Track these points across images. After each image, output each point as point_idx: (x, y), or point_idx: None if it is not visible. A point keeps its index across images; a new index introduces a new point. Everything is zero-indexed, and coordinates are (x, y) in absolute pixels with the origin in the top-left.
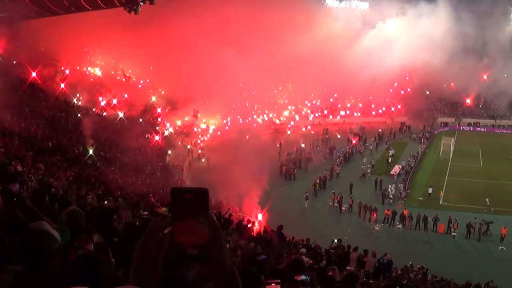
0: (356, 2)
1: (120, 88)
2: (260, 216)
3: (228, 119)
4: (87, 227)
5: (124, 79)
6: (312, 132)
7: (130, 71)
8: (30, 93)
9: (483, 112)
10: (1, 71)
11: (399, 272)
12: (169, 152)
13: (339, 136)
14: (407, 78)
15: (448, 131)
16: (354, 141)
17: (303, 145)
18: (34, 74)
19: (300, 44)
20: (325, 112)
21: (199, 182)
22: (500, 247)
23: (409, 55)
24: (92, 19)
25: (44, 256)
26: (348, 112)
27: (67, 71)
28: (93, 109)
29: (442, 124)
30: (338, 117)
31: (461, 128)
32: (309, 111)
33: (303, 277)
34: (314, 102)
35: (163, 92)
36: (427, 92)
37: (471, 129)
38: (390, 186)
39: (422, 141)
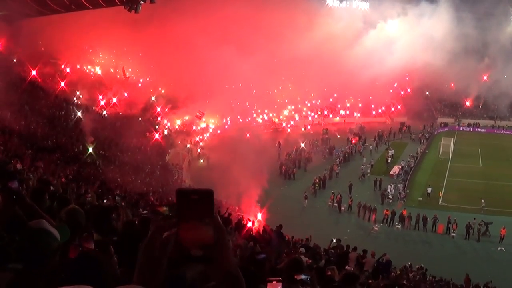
0: (357, 2)
1: (120, 87)
2: (259, 216)
3: (228, 119)
4: (86, 225)
5: (124, 78)
6: (312, 132)
7: (130, 70)
8: (30, 91)
9: (483, 112)
10: (1, 69)
11: (398, 272)
12: (169, 151)
13: (338, 136)
14: (407, 78)
15: (448, 132)
16: (353, 141)
17: (302, 145)
18: (34, 72)
19: (301, 43)
20: (325, 112)
21: (198, 181)
22: (499, 248)
23: (409, 55)
24: (93, 18)
25: (44, 254)
26: (348, 112)
27: (67, 70)
28: (93, 108)
29: (442, 125)
30: (338, 118)
31: (461, 129)
32: (309, 111)
33: (303, 276)
34: (314, 102)
35: (163, 91)
36: (427, 93)
37: (471, 130)
38: (389, 186)
39: (422, 141)
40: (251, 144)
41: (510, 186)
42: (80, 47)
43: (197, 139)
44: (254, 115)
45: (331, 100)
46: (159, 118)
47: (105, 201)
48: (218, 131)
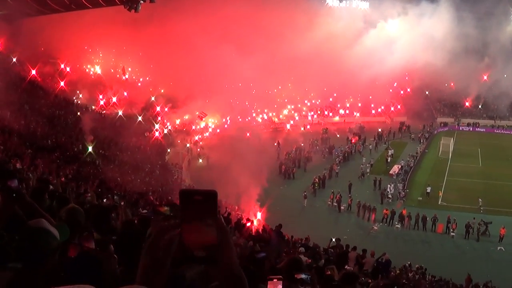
0: (357, 1)
1: (119, 86)
2: (259, 215)
3: (228, 118)
4: (85, 224)
5: (124, 77)
6: (311, 131)
7: (129, 69)
8: (30, 90)
9: (483, 112)
10: (1, 69)
11: (398, 271)
12: (168, 150)
13: (338, 136)
14: (407, 78)
15: (448, 131)
16: (353, 141)
17: (302, 144)
18: (34, 71)
19: (300, 43)
20: (326, 112)
21: (198, 180)
22: (498, 248)
23: (409, 55)
24: (93, 17)
25: (43, 253)
26: (347, 111)
27: (67, 69)
28: (93, 107)
29: (442, 124)
30: (337, 117)
31: (461, 128)
32: (308, 111)
33: (303, 276)
34: (313, 101)
35: (162, 91)
36: (427, 92)
37: (471, 130)
38: (389, 185)
39: (422, 141)
40: (251, 144)
41: (510, 186)
42: (80, 47)
43: (196, 138)
44: (254, 115)
45: (330, 99)
46: (159, 118)
47: (104, 200)
48: (218, 130)
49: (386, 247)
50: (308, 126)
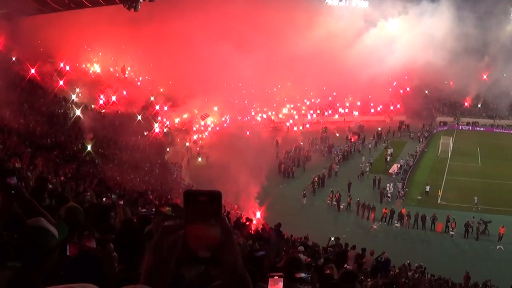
0: (356, 0)
1: (119, 85)
2: (258, 214)
3: (227, 117)
4: (85, 223)
5: (124, 76)
6: (310, 130)
7: (129, 68)
8: (29, 89)
9: (482, 111)
10: (0, 68)
11: (397, 270)
12: (168, 149)
13: (337, 135)
14: (406, 77)
15: (447, 131)
16: (352, 140)
17: (301, 144)
18: (33, 70)
19: (300, 42)
20: (326, 113)
21: (197, 179)
22: (498, 247)
23: (409, 54)
24: (92, 16)
25: (42, 252)
26: (346, 110)
27: (67, 68)
28: (92, 106)
29: (441, 123)
30: (337, 116)
31: (460, 128)
32: (308, 110)
33: (303, 275)
34: (313, 100)
35: (161, 90)
36: (426, 92)
37: (470, 129)
38: (388, 184)
39: (421, 140)
40: (250, 143)
41: (509, 185)
42: (79, 46)
43: (195, 138)
44: (253, 113)
45: (330, 98)
46: (159, 118)
47: (104, 199)
48: (217, 128)
49: (385, 246)
50: (308, 125)
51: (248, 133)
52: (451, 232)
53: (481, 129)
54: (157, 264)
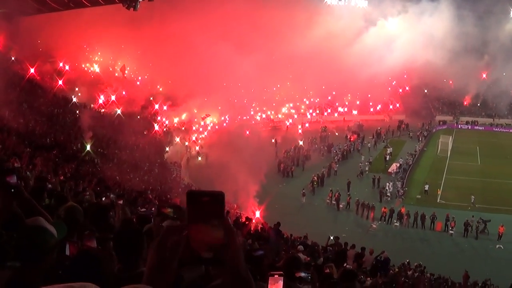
0: (355, 0)
1: (118, 85)
2: (257, 213)
3: (226, 116)
4: (84, 222)
5: (123, 76)
6: (309, 130)
7: (128, 68)
8: (28, 89)
9: (481, 110)
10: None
11: (397, 269)
12: (167, 149)
13: (337, 134)
14: (405, 76)
15: (446, 130)
16: (352, 139)
17: (301, 143)
18: (32, 70)
19: (299, 41)
20: (325, 113)
21: (196, 179)
22: (497, 246)
23: (409, 53)
24: (91, 16)
25: (41, 252)
26: (346, 109)
27: (66, 67)
28: (92, 105)
29: (440, 123)
30: (336, 114)
31: (459, 127)
32: (307, 110)
33: (303, 274)
34: (312, 99)
35: (161, 89)
36: (426, 91)
37: (469, 128)
38: (388, 184)
39: (420, 139)
40: (250, 142)
41: (508, 184)
42: (78, 45)
43: (194, 138)
44: (252, 113)
45: (329, 98)
46: (158, 118)
47: (103, 199)
48: (217, 126)
49: (384, 245)
50: (307, 125)
51: (247, 132)
52: (450, 231)
53: (480, 128)
54: (160, 264)
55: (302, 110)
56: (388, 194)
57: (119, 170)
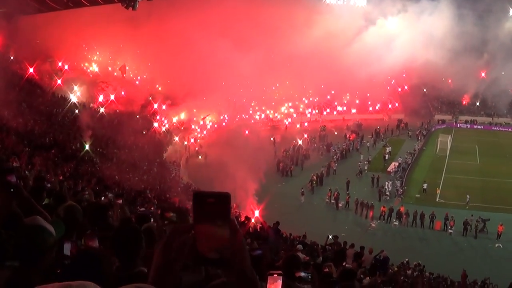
0: None
1: (117, 84)
2: (257, 213)
3: (226, 115)
4: (83, 222)
5: (124, 75)
6: (308, 129)
7: (127, 68)
8: (27, 89)
9: (481, 109)
10: None
11: (396, 269)
12: (166, 148)
13: (336, 133)
14: (404, 75)
15: (445, 129)
16: (351, 138)
17: (300, 142)
18: (31, 70)
19: (298, 40)
20: (324, 113)
21: (196, 178)
22: (496, 245)
23: (408, 52)
24: (90, 15)
25: (40, 251)
26: (345, 108)
27: (66, 66)
28: (91, 105)
29: (439, 122)
30: (335, 112)
31: (458, 126)
32: (306, 109)
33: (303, 274)
34: (311, 99)
35: (160, 88)
36: (425, 90)
37: (468, 127)
38: (387, 183)
39: (419, 138)
40: (249, 141)
41: (507, 183)
42: (77, 45)
43: (192, 139)
44: (251, 112)
45: (328, 97)
46: (157, 117)
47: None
48: (216, 125)
49: (384, 244)
50: (306, 124)
51: (247, 132)
52: (449, 230)
53: (479, 127)
54: (166, 265)
55: (301, 109)
56: (387, 193)
57: (118, 170)
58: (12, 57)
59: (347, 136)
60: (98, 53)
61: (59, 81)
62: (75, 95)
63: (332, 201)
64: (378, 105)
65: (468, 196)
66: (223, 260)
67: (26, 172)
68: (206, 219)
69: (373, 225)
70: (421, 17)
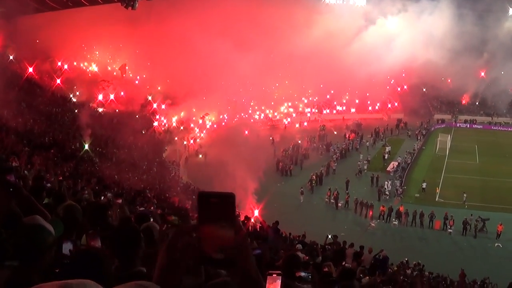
0: None
1: (117, 84)
2: (256, 212)
3: (225, 115)
4: (82, 221)
5: (124, 75)
6: (308, 128)
7: (127, 67)
8: (27, 88)
9: (480, 109)
10: None
11: (395, 268)
12: (166, 148)
13: (335, 133)
14: (403, 75)
15: (445, 128)
16: (350, 138)
17: (299, 142)
18: (31, 69)
19: (298, 40)
20: (324, 112)
21: (195, 178)
22: (496, 244)
23: (407, 52)
24: (89, 15)
25: (39, 250)
26: (344, 108)
27: (65, 66)
28: (90, 105)
29: (439, 121)
30: (335, 112)
31: (458, 125)
32: (306, 108)
33: (303, 273)
34: (311, 98)
35: (159, 88)
36: (424, 89)
37: (468, 126)
38: (386, 182)
39: (419, 138)
40: (248, 141)
41: (507, 183)
42: (77, 44)
43: (191, 140)
44: (250, 111)
45: (328, 96)
46: (157, 116)
47: (102, 198)
48: (215, 125)
49: (383, 244)
50: (305, 123)
51: (246, 131)
52: (449, 230)
53: (479, 126)
54: (170, 265)
55: (300, 109)
56: (387, 192)
57: (118, 169)
58: (11, 57)
59: (347, 135)
60: (97, 52)
61: (58, 81)
62: (75, 95)
63: (332, 200)
64: (378, 104)
65: (464, 195)
66: (228, 260)
67: (26, 171)
68: (210, 220)
69: (372, 224)
70: (421, 17)
